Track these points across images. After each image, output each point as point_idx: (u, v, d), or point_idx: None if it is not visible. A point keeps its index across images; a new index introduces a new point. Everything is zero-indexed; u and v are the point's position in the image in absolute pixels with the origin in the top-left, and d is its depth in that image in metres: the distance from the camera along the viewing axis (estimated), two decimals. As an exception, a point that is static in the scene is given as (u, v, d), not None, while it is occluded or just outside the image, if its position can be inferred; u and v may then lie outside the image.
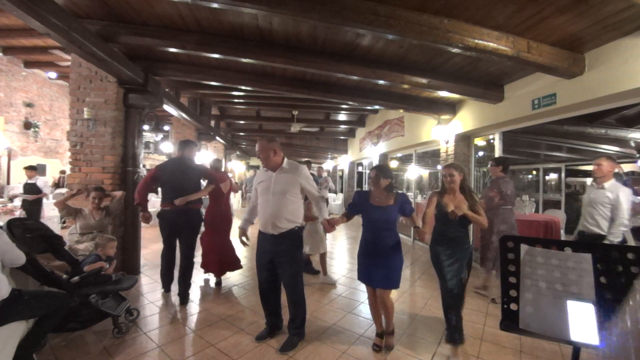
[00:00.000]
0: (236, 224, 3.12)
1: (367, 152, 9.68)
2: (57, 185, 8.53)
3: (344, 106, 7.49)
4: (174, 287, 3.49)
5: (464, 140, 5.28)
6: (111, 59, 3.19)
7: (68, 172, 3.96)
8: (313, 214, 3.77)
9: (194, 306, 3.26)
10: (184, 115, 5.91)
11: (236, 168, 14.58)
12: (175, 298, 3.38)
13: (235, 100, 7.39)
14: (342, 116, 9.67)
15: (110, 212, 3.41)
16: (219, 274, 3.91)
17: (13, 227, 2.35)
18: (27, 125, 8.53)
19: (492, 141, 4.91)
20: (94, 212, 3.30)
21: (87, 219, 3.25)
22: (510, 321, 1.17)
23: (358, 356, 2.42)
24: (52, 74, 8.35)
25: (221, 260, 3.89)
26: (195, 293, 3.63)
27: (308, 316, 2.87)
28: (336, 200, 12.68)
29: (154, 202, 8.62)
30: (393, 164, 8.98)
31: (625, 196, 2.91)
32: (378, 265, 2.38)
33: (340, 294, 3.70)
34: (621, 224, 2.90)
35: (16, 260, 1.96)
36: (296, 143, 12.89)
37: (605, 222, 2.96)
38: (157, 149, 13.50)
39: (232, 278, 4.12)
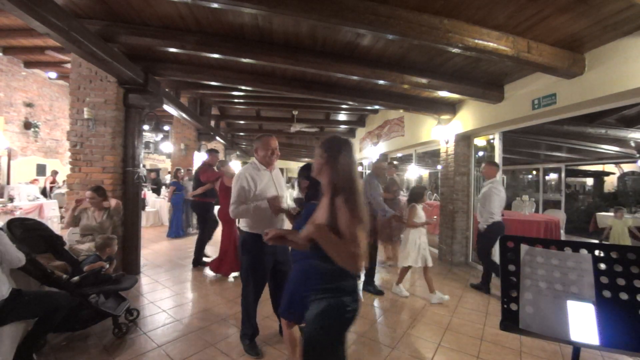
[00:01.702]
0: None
1: (367, 152, 9.67)
2: (44, 193, 8.37)
3: (344, 106, 7.48)
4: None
5: (464, 140, 5.28)
6: (111, 59, 3.19)
7: (68, 171, 3.96)
8: (414, 221, 3.59)
9: (193, 306, 3.26)
10: (184, 115, 5.91)
11: (236, 168, 14.58)
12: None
13: (235, 100, 7.39)
14: (342, 116, 9.66)
15: (111, 215, 3.39)
16: (227, 272, 4.11)
17: (13, 227, 2.35)
18: (27, 125, 8.53)
19: (492, 141, 4.91)
20: (96, 212, 3.29)
21: (89, 220, 3.23)
22: (510, 321, 1.17)
23: (358, 356, 2.42)
24: (52, 74, 8.35)
25: (233, 258, 4.05)
26: (195, 293, 3.63)
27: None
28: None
29: (154, 201, 8.64)
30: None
31: (492, 192, 3.78)
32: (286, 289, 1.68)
33: (340, 294, 3.70)
34: (487, 212, 3.79)
35: (16, 262, 1.96)
36: (296, 143, 12.89)
37: (482, 214, 3.89)
38: (157, 149, 13.50)
39: (232, 278, 4.12)
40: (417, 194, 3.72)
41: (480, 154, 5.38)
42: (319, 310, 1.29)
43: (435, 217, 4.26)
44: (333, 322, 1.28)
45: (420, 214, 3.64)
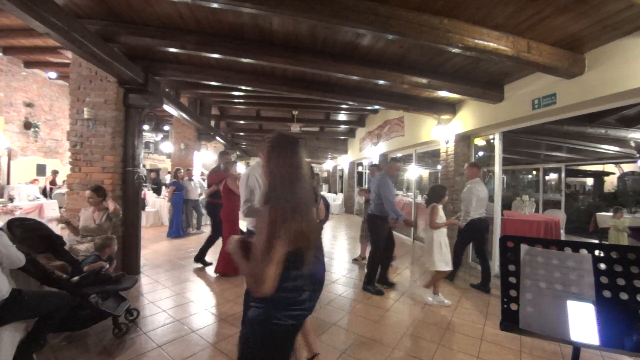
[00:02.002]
0: (242, 224, 3.19)
1: (367, 152, 9.67)
2: (44, 193, 8.36)
3: (344, 106, 7.49)
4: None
5: (464, 140, 5.28)
6: (111, 59, 3.19)
7: (68, 171, 3.96)
8: (437, 222, 3.46)
9: (193, 306, 3.26)
10: (184, 115, 5.91)
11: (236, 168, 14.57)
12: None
13: (235, 100, 7.39)
14: (342, 116, 9.67)
15: (110, 217, 3.38)
16: (235, 272, 4.16)
17: (13, 227, 2.35)
18: (27, 125, 8.53)
19: (492, 141, 4.91)
20: (95, 213, 3.27)
21: (87, 222, 3.22)
22: (510, 321, 1.17)
23: (358, 356, 2.42)
24: (52, 74, 8.35)
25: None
26: (195, 293, 3.63)
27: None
28: (336, 200, 12.67)
29: (154, 202, 8.64)
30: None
31: (471, 192, 3.98)
32: None
33: (340, 294, 3.70)
34: (464, 211, 4.03)
35: (16, 262, 1.95)
36: (296, 143, 12.88)
37: (462, 212, 4.10)
38: (157, 149, 13.51)
39: (231, 279, 4.12)
40: (438, 194, 3.51)
41: (480, 154, 5.38)
42: (247, 318, 1.24)
43: (458, 216, 4.12)
44: (258, 333, 1.20)
45: (442, 214, 3.52)
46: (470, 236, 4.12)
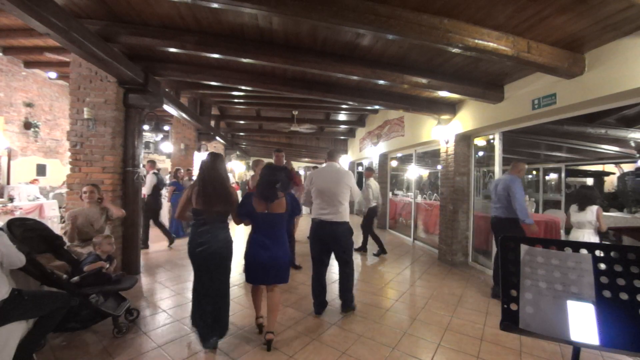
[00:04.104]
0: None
1: (367, 152, 9.68)
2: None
3: (344, 106, 7.49)
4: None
5: (464, 140, 5.28)
6: (111, 59, 3.19)
7: (68, 171, 3.95)
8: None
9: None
10: (184, 115, 5.91)
11: (236, 168, 14.57)
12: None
13: (235, 100, 7.39)
14: (342, 116, 9.67)
15: (110, 217, 3.36)
16: None
17: (13, 227, 2.35)
18: (27, 125, 8.52)
19: (492, 141, 4.91)
20: (94, 215, 3.24)
21: (88, 229, 3.18)
22: (510, 321, 1.17)
23: (358, 356, 2.42)
24: (52, 74, 8.34)
25: None
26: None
27: (308, 317, 2.87)
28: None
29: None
30: (393, 164, 8.98)
31: (369, 188, 5.61)
32: None
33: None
34: (366, 201, 5.67)
35: (16, 262, 1.95)
36: (296, 143, 12.91)
37: (364, 201, 5.80)
38: (157, 149, 13.49)
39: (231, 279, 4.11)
40: (596, 195, 3.44)
41: (480, 154, 5.38)
42: None
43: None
44: None
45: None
46: (370, 218, 5.70)
